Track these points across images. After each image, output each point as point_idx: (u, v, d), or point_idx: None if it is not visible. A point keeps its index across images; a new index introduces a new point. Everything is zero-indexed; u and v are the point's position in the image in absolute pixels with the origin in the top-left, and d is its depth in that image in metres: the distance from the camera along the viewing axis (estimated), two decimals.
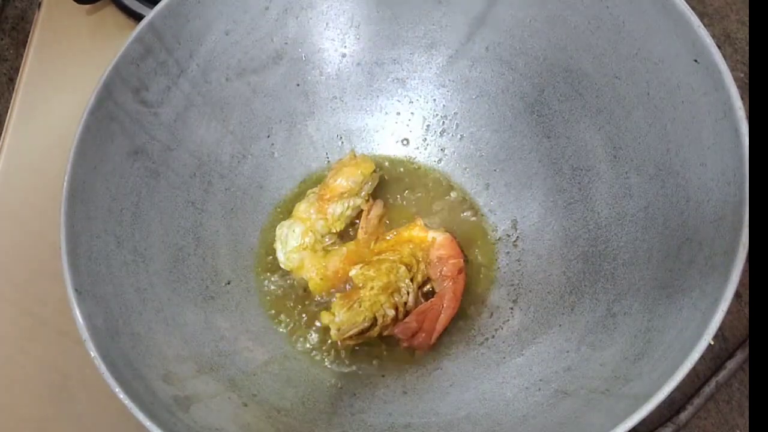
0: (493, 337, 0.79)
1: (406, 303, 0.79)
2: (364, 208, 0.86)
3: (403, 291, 0.79)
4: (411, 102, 0.92)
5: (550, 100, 0.81)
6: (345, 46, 0.89)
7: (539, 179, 0.83)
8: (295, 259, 0.84)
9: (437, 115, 0.91)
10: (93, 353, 0.62)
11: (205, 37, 0.81)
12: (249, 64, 0.85)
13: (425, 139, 0.92)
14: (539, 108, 0.82)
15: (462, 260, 0.82)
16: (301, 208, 0.86)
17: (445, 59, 0.88)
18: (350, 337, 0.78)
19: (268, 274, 0.86)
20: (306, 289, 0.84)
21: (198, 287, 0.80)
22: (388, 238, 0.85)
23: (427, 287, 0.82)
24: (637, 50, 0.70)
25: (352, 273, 0.81)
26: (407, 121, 0.92)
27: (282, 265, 0.85)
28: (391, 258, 0.81)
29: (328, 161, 0.92)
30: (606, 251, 0.74)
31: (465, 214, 0.88)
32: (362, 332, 0.78)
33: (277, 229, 0.86)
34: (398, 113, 0.92)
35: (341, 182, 0.85)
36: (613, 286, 0.71)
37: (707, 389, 0.82)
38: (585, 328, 0.71)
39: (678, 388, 0.54)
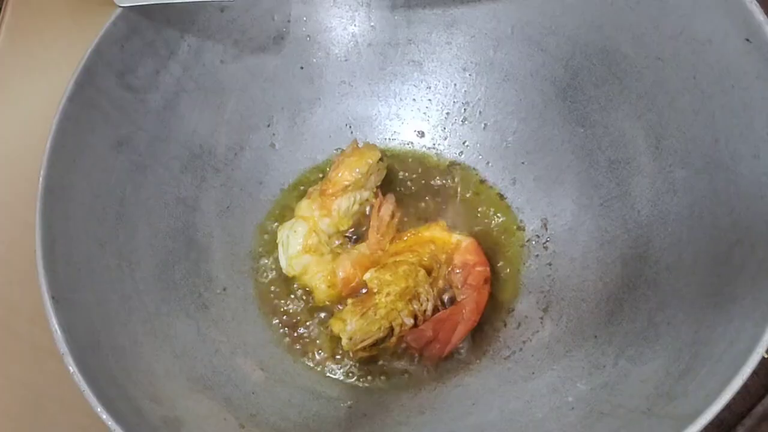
0: (520, 350, 0.79)
1: (425, 311, 0.79)
2: (374, 202, 0.86)
3: (423, 298, 0.79)
4: (428, 87, 0.92)
5: (584, 85, 0.81)
6: (354, 25, 0.90)
7: (572, 173, 0.84)
8: (299, 264, 0.84)
9: (458, 101, 0.91)
10: (72, 368, 0.62)
11: (198, 14, 0.81)
12: (247, 45, 0.86)
13: (444, 128, 0.92)
14: (572, 93, 0.83)
15: (488, 269, 0.82)
16: (303, 206, 0.86)
17: (466, 39, 0.88)
18: (363, 348, 0.78)
19: (269, 279, 0.86)
20: (311, 296, 0.85)
21: (190, 295, 0.81)
22: (405, 238, 0.85)
23: (446, 294, 0.82)
24: (682, 29, 0.70)
25: (367, 276, 0.81)
26: (424, 109, 0.93)
27: (284, 272, 0.85)
28: (410, 260, 0.81)
29: (337, 153, 0.92)
30: (647, 254, 0.74)
31: (489, 212, 0.88)
32: (376, 343, 0.78)
33: (278, 231, 0.87)
34: (414, 99, 0.93)
35: (345, 174, 0.85)
36: (655, 294, 0.71)
37: (760, 408, 0.82)
38: (624, 340, 0.71)
39: (727, 407, 0.54)
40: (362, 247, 0.86)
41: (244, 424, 0.71)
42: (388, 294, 0.78)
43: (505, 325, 0.82)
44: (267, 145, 0.90)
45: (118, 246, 0.76)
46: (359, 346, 0.77)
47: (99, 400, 0.61)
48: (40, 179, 0.69)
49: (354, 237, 0.88)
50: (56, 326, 0.64)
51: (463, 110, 0.91)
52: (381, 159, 0.87)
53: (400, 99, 0.93)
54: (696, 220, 0.70)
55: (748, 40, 0.64)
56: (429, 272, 0.81)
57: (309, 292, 0.85)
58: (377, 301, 0.78)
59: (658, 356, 0.66)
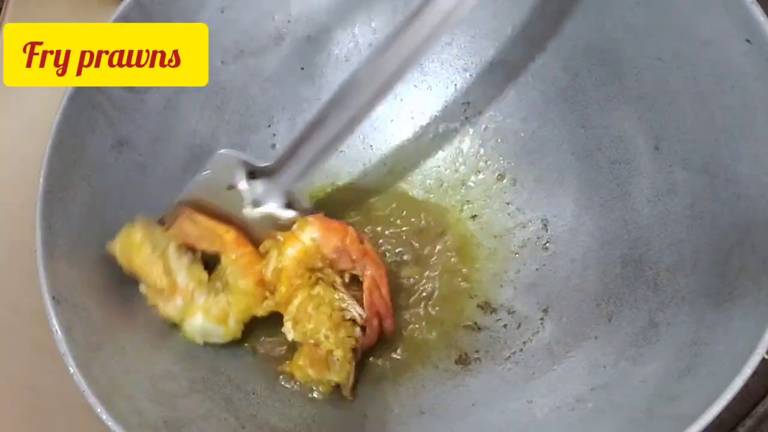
0: (521, 350, 0.79)
1: (357, 313, 0.77)
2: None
3: (344, 305, 0.77)
4: (429, 88, 0.92)
5: (584, 86, 0.81)
6: (355, 25, 0.89)
7: (573, 174, 0.84)
8: (233, 327, 0.78)
9: (458, 102, 0.91)
10: (72, 368, 0.62)
11: (198, 14, 0.81)
12: (247, 46, 0.86)
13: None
14: (572, 94, 0.83)
15: (349, 227, 0.80)
16: (173, 311, 0.77)
17: (467, 39, 0.88)
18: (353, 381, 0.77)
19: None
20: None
21: None
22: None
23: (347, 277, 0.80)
24: (683, 29, 0.70)
25: (291, 338, 0.77)
26: None
27: (233, 339, 0.80)
28: (303, 294, 0.77)
29: (341, 152, 0.92)
30: (647, 254, 0.74)
31: (489, 213, 0.88)
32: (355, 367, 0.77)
33: (185, 335, 0.79)
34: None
35: (148, 267, 0.76)
36: (655, 294, 0.71)
37: (761, 409, 0.82)
38: (624, 341, 0.71)
39: (728, 408, 0.54)
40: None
41: (245, 425, 0.71)
42: (326, 336, 0.75)
43: (505, 325, 0.82)
44: (268, 145, 0.90)
45: None
46: (351, 382, 0.76)
47: (99, 400, 0.61)
48: (40, 179, 0.69)
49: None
50: (56, 326, 0.64)
51: (463, 110, 0.91)
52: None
53: (401, 99, 0.93)
54: (696, 221, 0.70)
55: (748, 40, 0.64)
56: (324, 282, 0.78)
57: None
58: (326, 349, 0.75)
59: (659, 356, 0.66)
